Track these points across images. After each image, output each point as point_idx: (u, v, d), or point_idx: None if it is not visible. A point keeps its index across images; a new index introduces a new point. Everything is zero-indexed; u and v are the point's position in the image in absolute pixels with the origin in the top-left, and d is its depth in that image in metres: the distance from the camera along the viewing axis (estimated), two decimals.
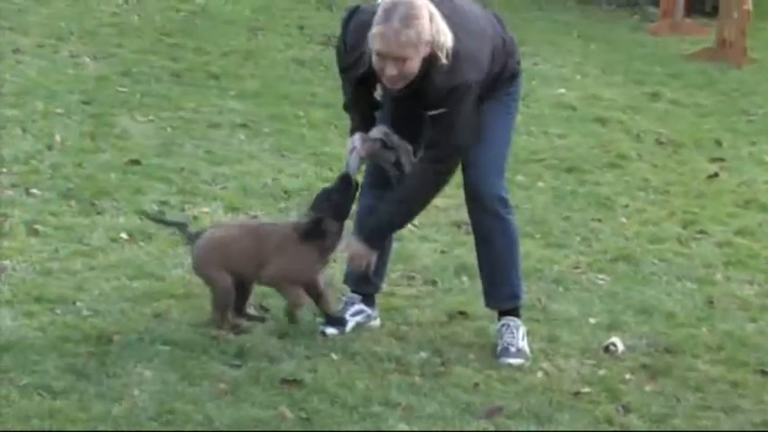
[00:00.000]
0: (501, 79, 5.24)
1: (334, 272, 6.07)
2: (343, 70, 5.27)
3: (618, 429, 4.79)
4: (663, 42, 13.62)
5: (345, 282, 5.59)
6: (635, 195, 7.99)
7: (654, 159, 8.88)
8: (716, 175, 8.57)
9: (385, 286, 5.73)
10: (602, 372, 5.28)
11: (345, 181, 5.28)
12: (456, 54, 4.93)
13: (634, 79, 11.48)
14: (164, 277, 5.82)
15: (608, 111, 10.11)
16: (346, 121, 8.72)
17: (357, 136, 5.25)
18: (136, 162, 7.41)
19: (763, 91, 11.46)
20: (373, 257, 5.29)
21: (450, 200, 7.29)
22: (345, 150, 5.34)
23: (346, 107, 5.41)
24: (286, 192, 7.27)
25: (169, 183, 7.15)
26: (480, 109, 5.17)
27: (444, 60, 4.91)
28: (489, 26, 5.18)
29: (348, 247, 5.31)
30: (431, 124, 5.07)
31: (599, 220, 7.41)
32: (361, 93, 5.29)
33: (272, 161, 7.84)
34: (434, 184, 5.22)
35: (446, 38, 4.90)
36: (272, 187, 7.31)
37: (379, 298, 5.63)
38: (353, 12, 5.17)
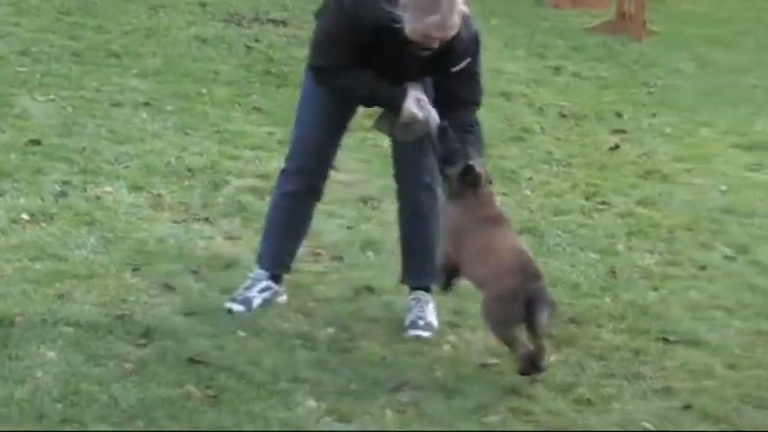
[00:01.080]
0: None
1: (239, 250, 6.07)
2: (348, 37, 5.07)
3: (524, 399, 4.84)
4: (564, 16, 13.75)
5: (258, 261, 5.57)
6: (539, 168, 8.06)
7: (557, 132, 8.97)
8: (617, 146, 8.68)
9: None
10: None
11: (446, 131, 5.08)
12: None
13: (536, 53, 11.58)
14: (66, 258, 5.75)
15: (511, 85, 10.18)
16: (250, 98, 8.84)
17: (416, 89, 5.12)
18: (36, 142, 7.30)
19: (663, 63, 11.63)
20: None
21: (356, 175, 7.32)
22: (409, 104, 5.07)
23: (329, 72, 5.16)
24: (190, 170, 7.21)
25: (71, 163, 7.06)
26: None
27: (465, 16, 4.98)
28: None
29: None
30: (455, 80, 5.10)
31: (504, 194, 7.44)
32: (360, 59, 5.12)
33: (175, 139, 7.77)
34: None
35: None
36: (175, 165, 7.25)
37: (286, 274, 5.62)
38: None
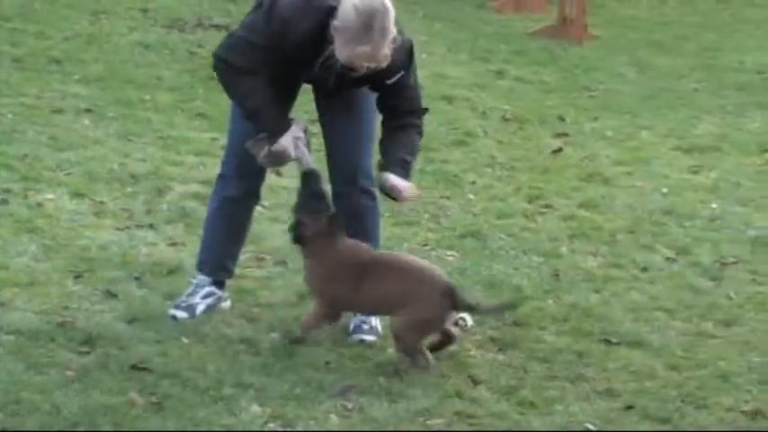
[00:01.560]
0: None
1: (182, 256, 6.05)
2: (269, 49, 5.05)
3: (468, 402, 4.86)
4: (507, 21, 13.80)
5: (199, 269, 5.55)
6: (482, 172, 8.09)
7: (500, 136, 9.01)
8: (560, 150, 8.73)
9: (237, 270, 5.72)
10: (451, 346, 5.35)
11: (313, 175, 5.19)
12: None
13: (479, 57, 11.62)
14: (7, 266, 5.71)
15: (454, 89, 10.21)
16: (193, 104, 8.80)
17: (299, 127, 5.15)
18: None
19: (604, 67, 11.71)
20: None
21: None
22: (286, 139, 5.10)
23: (236, 71, 5.08)
24: (133, 176, 7.18)
25: (11, 170, 7.00)
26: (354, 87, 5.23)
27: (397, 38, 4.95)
28: None
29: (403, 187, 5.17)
30: (391, 92, 5.11)
31: (447, 198, 7.49)
32: (285, 72, 5.16)
33: (117, 146, 7.73)
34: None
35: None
36: (118, 172, 7.22)
37: (229, 280, 5.61)
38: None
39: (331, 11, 4.92)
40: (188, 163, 7.53)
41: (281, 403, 4.68)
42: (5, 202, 6.51)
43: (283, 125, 5.13)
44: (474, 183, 7.84)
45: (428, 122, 8.99)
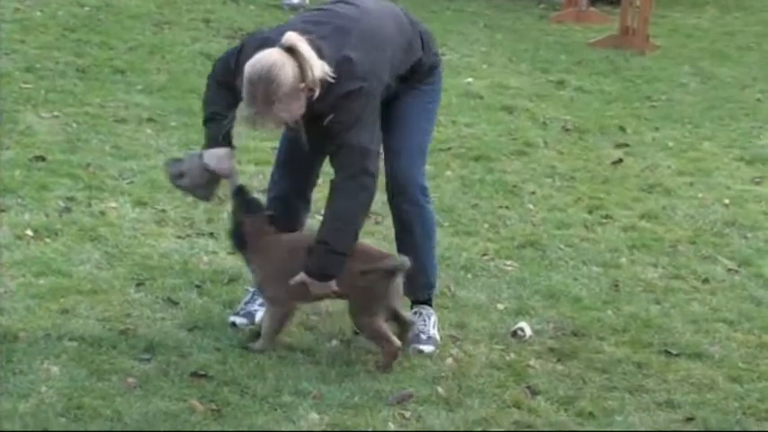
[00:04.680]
0: (419, 72, 5.30)
1: (242, 264, 6.08)
2: (226, 85, 5.14)
3: (526, 412, 4.86)
4: (568, 31, 13.78)
5: None
6: (541, 182, 8.08)
7: (560, 146, 8.98)
8: (620, 160, 8.69)
9: None
10: (510, 356, 5.35)
11: (243, 189, 5.33)
12: (339, 67, 4.89)
13: (540, 67, 11.60)
14: (70, 273, 5.77)
15: (515, 99, 10.20)
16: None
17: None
18: (41, 158, 7.33)
19: (666, 77, 11.64)
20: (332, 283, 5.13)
21: None
22: (222, 153, 5.21)
23: (212, 77, 5.22)
24: None
25: (75, 179, 7.09)
26: (401, 100, 5.26)
27: (317, 92, 4.88)
28: (394, 28, 5.18)
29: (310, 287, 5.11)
30: (329, 137, 5.02)
31: (506, 208, 7.48)
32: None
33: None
34: (367, 199, 5.09)
35: (318, 70, 4.84)
36: None
37: None
38: (249, 41, 5.14)
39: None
40: (248, 172, 7.57)
41: (339, 411, 4.70)
42: (69, 210, 6.59)
43: (223, 141, 5.19)
44: (534, 193, 7.82)
45: (488, 132, 9.09)
